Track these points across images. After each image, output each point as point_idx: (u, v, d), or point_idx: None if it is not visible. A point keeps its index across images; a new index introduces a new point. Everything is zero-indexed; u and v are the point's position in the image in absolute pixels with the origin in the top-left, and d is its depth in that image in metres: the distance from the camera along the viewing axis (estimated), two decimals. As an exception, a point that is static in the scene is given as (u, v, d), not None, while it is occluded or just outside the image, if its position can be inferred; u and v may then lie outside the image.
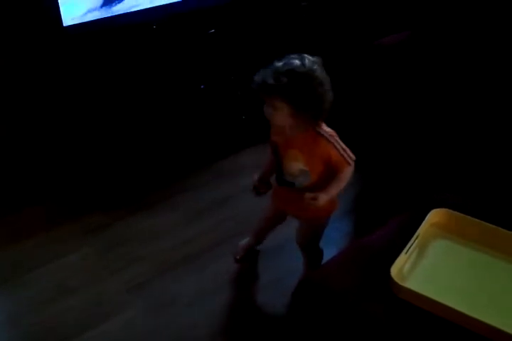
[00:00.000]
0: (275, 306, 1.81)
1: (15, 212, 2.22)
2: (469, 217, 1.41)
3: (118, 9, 2.12)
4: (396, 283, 1.21)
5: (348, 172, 1.51)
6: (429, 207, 1.44)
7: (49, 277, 1.92)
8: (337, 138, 1.50)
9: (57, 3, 1.94)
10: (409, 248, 1.31)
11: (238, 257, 1.98)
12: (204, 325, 1.75)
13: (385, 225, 1.48)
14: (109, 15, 2.11)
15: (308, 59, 1.43)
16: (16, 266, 1.96)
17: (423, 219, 1.39)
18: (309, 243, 1.79)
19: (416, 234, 1.34)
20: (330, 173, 1.51)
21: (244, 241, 2.00)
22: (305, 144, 1.49)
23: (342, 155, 1.48)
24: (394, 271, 1.23)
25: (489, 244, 1.37)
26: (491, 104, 1.96)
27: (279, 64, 1.41)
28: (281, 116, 1.43)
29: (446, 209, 1.43)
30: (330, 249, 1.79)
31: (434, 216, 1.42)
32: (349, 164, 1.49)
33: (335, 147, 1.47)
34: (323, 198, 1.47)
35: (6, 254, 2.01)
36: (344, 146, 1.49)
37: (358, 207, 2.27)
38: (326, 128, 1.50)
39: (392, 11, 2.48)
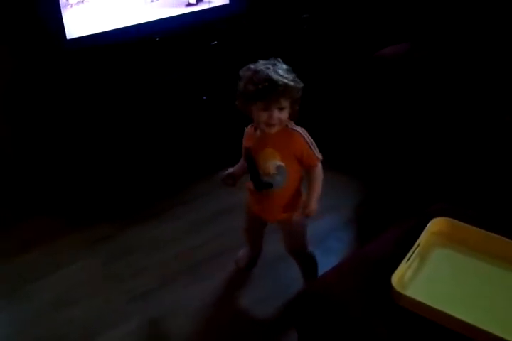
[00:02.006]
0: (277, 317, 1.81)
1: (18, 224, 2.23)
2: (470, 225, 1.41)
3: (121, 22, 2.16)
4: (397, 292, 1.21)
5: (319, 171, 1.60)
6: (429, 216, 1.44)
7: (52, 288, 1.92)
8: (308, 134, 1.58)
9: (61, 16, 1.97)
10: (410, 256, 1.30)
11: (242, 266, 2.00)
12: (205, 336, 1.75)
13: (386, 234, 1.48)
14: (112, 28, 2.13)
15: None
16: (18, 278, 1.97)
17: (424, 227, 1.39)
18: (297, 248, 1.81)
19: (417, 242, 1.34)
20: (301, 171, 1.61)
21: (243, 251, 2.01)
22: (280, 141, 1.56)
23: (313, 151, 1.57)
24: (395, 279, 1.23)
25: (490, 252, 1.36)
26: (492, 115, 1.97)
27: (275, 67, 1.48)
28: (286, 115, 1.51)
29: (447, 218, 1.43)
30: (331, 259, 1.79)
31: (435, 225, 1.42)
32: (318, 160, 1.58)
33: (307, 142, 1.56)
34: (312, 202, 1.57)
35: (9, 266, 2.02)
36: (314, 143, 1.58)
37: (359, 217, 2.27)
38: (296, 126, 1.59)
39: (392, 22, 2.50)
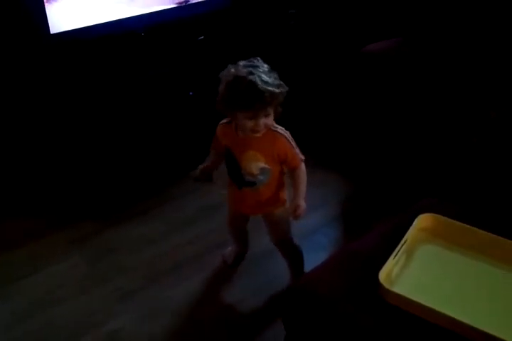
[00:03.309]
0: (263, 313, 1.80)
1: (1, 222, 2.20)
2: (456, 221, 1.41)
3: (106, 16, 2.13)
4: (384, 288, 1.21)
5: (303, 171, 1.58)
6: (416, 212, 1.44)
7: (37, 287, 1.90)
8: (290, 135, 1.56)
9: (44, 11, 1.94)
10: (397, 253, 1.31)
11: (229, 262, 1.99)
12: (193, 334, 1.74)
13: (373, 230, 1.48)
14: (97, 22, 2.11)
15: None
16: (2, 276, 1.94)
17: (411, 224, 1.39)
18: (282, 237, 1.80)
19: (404, 238, 1.34)
20: (283, 169, 1.60)
21: (230, 248, 2.01)
22: (263, 143, 1.53)
23: (296, 152, 1.55)
24: (382, 275, 1.23)
25: (476, 248, 1.37)
26: (478, 110, 1.98)
27: (257, 70, 1.42)
28: (272, 119, 1.49)
29: (434, 214, 1.43)
30: (318, 255, 1.78)
31: (422, 221, 1.42)
32: (301, 160, 1.57)
33: (290, 143, 1.54)
34: (302, 202, 1.55)
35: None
36: (295, 144, 1.56)
37: (347, 212, 2.28)
38: (278, 126, 1.56)
39: (381, 17, 2.50)
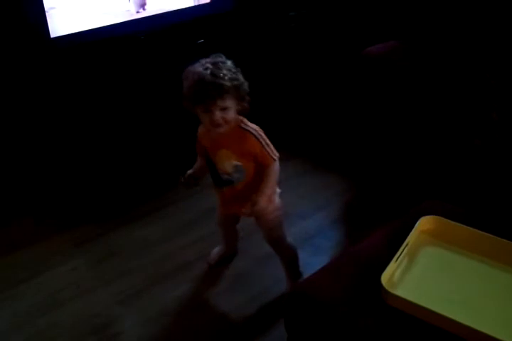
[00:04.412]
0: (265, 316, 1.80)
1: (4, 225, 2.21)
2: (459, 223, 1.40)
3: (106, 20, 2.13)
4: (387, 291, 1.20)
5: (274, 169, 1.58)
6: (418, 214, 1.43)
7: (39, 290, 1.90)
8: (262, 134, 1.56)
9: (44, 15, 1.94)
10: (400, 255, 1.30)
11: (212, 263, 2.00)
12: (195, 337, 1.73)
13: (375, 233, 1.48)
14: (96, 26, 2.11)
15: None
16: (5, 279, 1.94)
17: (413, 226, 1.38)
18: (275, 238, 1.80)
19: (406, 241, 1.34)
20: (260, 168, 1.59)
21: (217, 249, 2.02)
22: (233, 142, 1.55)
23: (267, 151, 1.55)
24: (384, 278, 1.23)
25: (479, 250, 1.36)
26: (478, 112, 1.98)
27: (215, 65, 1.45)
28: (232, 114, 1.49)
29: (436, 216, 1.43)
30: (320, 258, 1.78)
31: (424, 223, 1.41)
32: (274, 159, 1.56)
33: (260, 142, 1.54)
34: (261, 200, 1.55)
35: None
36: (268, 142, 1.56)
37: (349, 215, 2.27)
38: (250, 124, 1.56)
39: (381, 19, 2.50)
